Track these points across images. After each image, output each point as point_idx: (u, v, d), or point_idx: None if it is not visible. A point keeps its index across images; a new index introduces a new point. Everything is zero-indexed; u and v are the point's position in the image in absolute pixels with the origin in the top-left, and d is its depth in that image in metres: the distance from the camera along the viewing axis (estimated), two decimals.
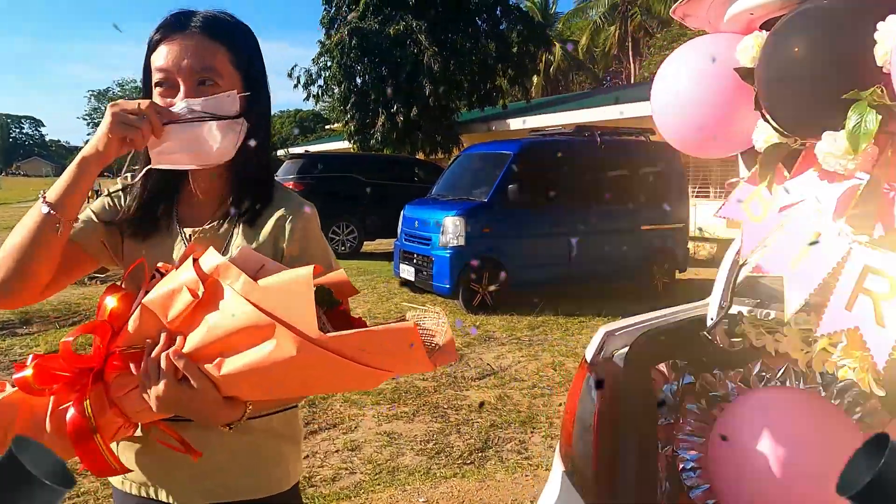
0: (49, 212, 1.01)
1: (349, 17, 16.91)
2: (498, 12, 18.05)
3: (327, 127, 39.14)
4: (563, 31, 28.90)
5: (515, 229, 7.90)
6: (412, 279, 8.24)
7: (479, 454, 4.00)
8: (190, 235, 1.18)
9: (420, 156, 17.43)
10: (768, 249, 1.36)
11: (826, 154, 1.09)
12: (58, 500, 0.44)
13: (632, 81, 25.23)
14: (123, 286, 1.06)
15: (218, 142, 1.08)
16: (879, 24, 1.01)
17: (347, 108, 17.14)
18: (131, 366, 0.94)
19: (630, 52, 25.76)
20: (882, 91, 1.01)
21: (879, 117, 1.01)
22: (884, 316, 1.14)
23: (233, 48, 1.14)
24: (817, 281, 1.25)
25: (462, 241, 7.55)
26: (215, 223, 1.18)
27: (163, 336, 0.93)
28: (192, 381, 0.91)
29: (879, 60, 1.01)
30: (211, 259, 0.96)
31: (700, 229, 13.65)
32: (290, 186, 12.18)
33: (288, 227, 1.17)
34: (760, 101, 1.19)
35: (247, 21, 1.21)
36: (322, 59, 17.65)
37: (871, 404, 1.56)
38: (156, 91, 1.11)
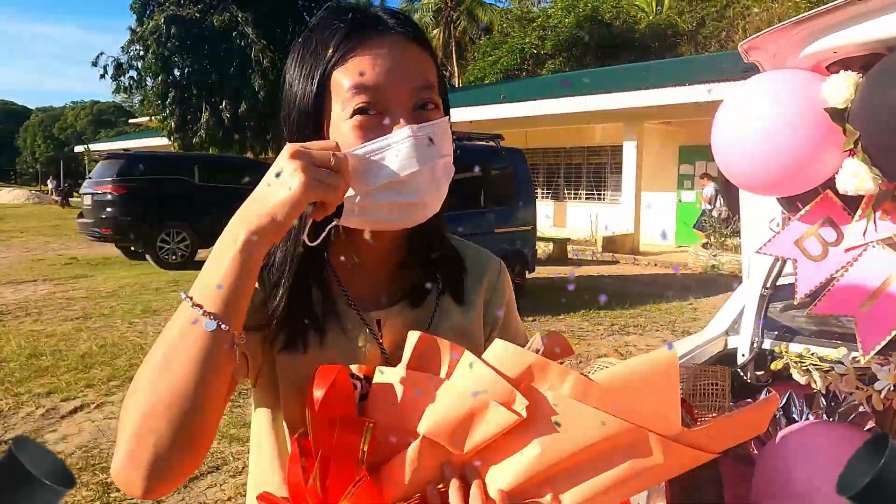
0: (218, 326, 0.65)
1: (166, 4, 15.44)
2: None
3: (132, 121, 35.58)
4: None
5: None
6: None
7: None
8: (379, 322, 0.85)
9: (249, 155, 16.47)
10: (834, 290, 1.35)
11: None
12: (58, 500, 0.45)
13: (457, 85, 26.06)
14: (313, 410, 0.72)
15: (437, 188, 0.77)
16: None
17: (167, 103, 15.65)
18: None
19: (454, 57, 26.55)
20: None
21: None
22: None
23: (434, 59, 0.83)
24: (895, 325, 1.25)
25: None
26: (404, 301, 0.87)
27: (447, 472, 0.68)
28: None
29: None
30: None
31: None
32: (110, 191, 10.88)
33: (497, 289, 0.95)
34: (861, 144, 1.16)
35: None
36: (133, 47, 15.95)
37: (871, 427, 1.64)
38: (352, 121, 0.75)
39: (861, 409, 1.63)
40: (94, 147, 32.43)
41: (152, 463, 0.63)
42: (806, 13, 1.20)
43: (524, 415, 0.65)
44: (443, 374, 0.73)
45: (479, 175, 8.76)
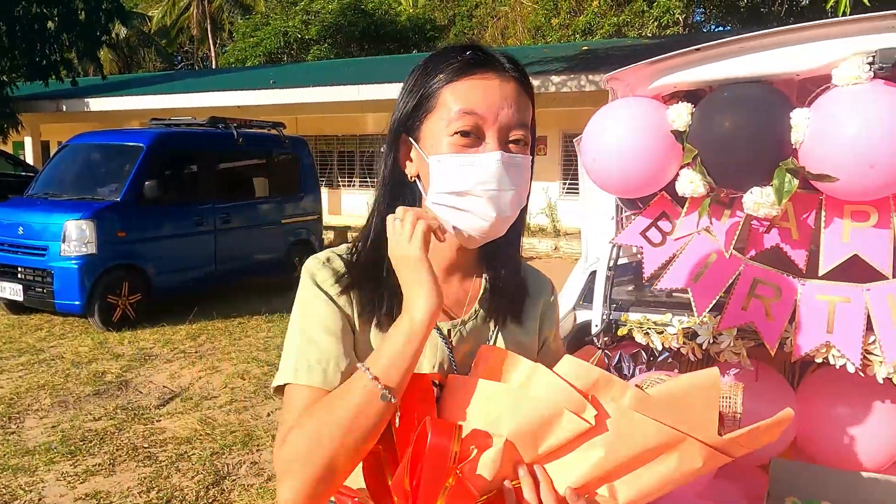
0: (391, 400, 0.79)
1: None
2: None
3: None
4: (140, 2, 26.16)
5: (155, 231, 7.12)
6: (18, 298, 6.68)
7: (216, 489, 3.66)
8: (448, 331, 0.94)
9: None
10: (671, 270, 1.75)
11: (756, 204, 1.50)
12: None
13: (214, 66, 24.50)
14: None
15: (506, 214, 0.89)
16: (792, 113, 1.45)
17: None
18: None
19: (210, 35, 24.89)
20: (795, 161, 1.46)
21: (796, 181, 1.45)
22: (772, 313, 1.63)
23: (533, 106, 0.95)
24: (720, 290, 1.68)
25: (93, 249, 6.47)
26: (471, 314, 0.97)
27: (522, 473, 0.78)
28: None
29: (794, 142, 1.45)
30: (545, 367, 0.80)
31: None
32: None
33: (549, 310, 1.07)
34: (698, 160, 1.54)
35: None
36: None
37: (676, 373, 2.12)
38: (452, 139, 0.87)
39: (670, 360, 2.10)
40: None
41: (319, 496, 0.80)
42: (656, 58, 1.55)
43: (593, 423, 0.75)
44: (512, 383, 0.82)
45: (265, 164, 8.53)
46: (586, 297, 2.14)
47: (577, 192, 2.49)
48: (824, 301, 1.59)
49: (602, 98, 1.73)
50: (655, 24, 17.45)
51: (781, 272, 1.65)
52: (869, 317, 1.54)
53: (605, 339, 1.97)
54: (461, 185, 0.86)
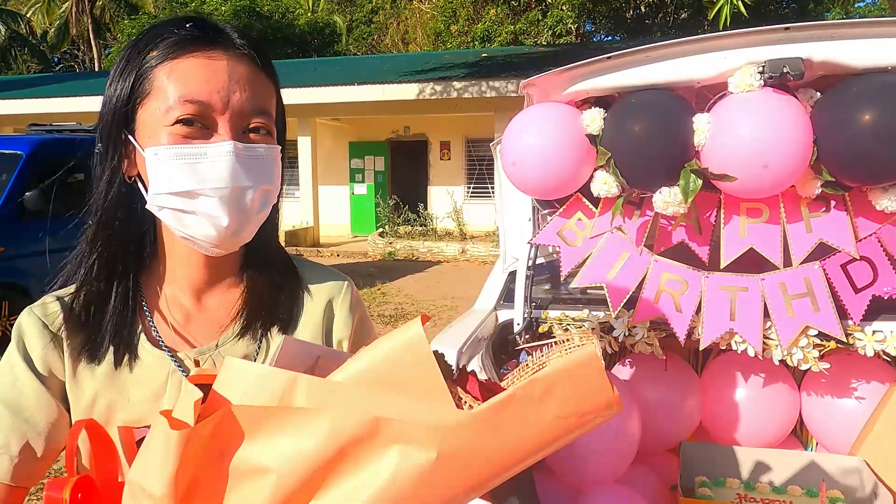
0: None
1: None
2: None
3: None
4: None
5: (37, 245, 6.58)
6: None
7: None
8: (196, 361, 0.81)
9: None
10: (587, 268, 1.83)
11: (665, 203, 1.60)
12: None
13: (97, 69, 23.02)
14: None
15: (248, 216, 0.77)
16: (695, 118, 1.56)
17: None
18: None
19: (92, 36, 23.35)
20: (698, 163, 1.57)
21: (700, 180, 1.56)
22: (681, 306, 1.74)
23: (278, 88, 0.83)
24: (633, 286, 1.78)
25: None
26: (227, 335, 0.83)
27: None
28: None
29: (697, 144, 1.56)
30: (230, 372, 0.63)
31: None
32: None
33: (339, 312, 0.90)
34: (612, 162, 1.62)
35: None
36: None
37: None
38: (173, 128, 0.73)
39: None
40: None
41: None
42: (570, 65, 1.62)
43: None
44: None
45: None
46: (507, 297, 2.20)
47: (483, 196, 2.56)
48: (726, 291, 1.72)
49: (503, 104, 1.79)
50: (550, 32, 18.16)
51: (688, 266, 1.76)
52: (766, 304, 1.68)
53: (527, 336, 2.03)
54: (185, 182, 0.73)
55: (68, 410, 0.79)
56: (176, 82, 0.73)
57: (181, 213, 0.75)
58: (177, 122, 0.73)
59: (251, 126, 0.77)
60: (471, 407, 0.62)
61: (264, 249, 0.87)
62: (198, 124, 0.74)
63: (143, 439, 0.66)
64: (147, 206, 0.77)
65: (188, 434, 0.59)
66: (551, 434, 0.65)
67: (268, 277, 0.87)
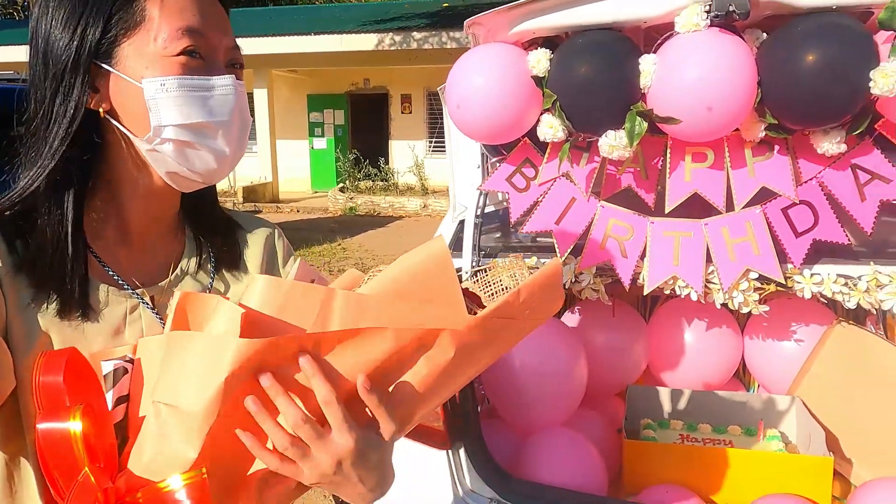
0: None
1: None
2: None
3: None
4: None
5: None
6: None
7: None
8: (153, 298, 0.81)
9: None
10: (535, 214, 1.81)
11: (610, 147, 1.58)
12: None
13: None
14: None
15: (237, 148, 0.79)
16: (641, 59, 1.53)
17: None
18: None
19: None
20: (644, 105, 1.55)
21: (646, 123, 1.54)
22: (626, 251, 1.74)
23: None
24: (580, 232, 1.77)
25: None
26: (178, 274, 0.86)
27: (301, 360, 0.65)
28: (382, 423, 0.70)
29: (643, 86, 1.54)
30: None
31: None
32: None
33: (280, 251, 0.98)
34: (557, 105, 1.59)
35: None
36: None
37: None
38: (179, 59, 0.73)
39: None
40: None
41: None
42: (514, 2, 1.56)
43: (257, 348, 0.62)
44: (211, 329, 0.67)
45: None
46: (456, 246, 2.17)
47: (444, 150, 2.51)
48: (670, 237, 1.73)
49: None
50: None
51: (634, 212, 1.76)
52: (708, 249, 1.69)
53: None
54: (196, 114, 0.74)
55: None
56: (175, 13, 0.73)
57: (184, 146, 0.75)
58: (182, 52, 0.73)
59: (236, 62, 0.80)
60: (474, 313, 0.72)
61: (200, 195, 0.88)
62: (198, 56, 0.75)
63: (110, 373, 0.69)
64: (135, 141, 0.75)
65: (260, 345, 0.62)
66: (521, 333, 0.81)
67: (208, 219, 0.91)
